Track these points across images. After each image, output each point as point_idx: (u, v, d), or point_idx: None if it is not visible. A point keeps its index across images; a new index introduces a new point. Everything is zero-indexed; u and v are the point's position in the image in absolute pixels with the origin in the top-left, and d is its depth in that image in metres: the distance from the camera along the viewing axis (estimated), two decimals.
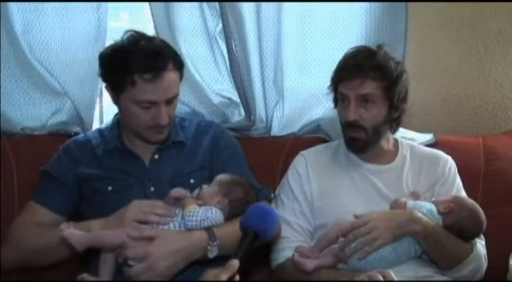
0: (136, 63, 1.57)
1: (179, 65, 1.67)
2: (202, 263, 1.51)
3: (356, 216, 1.57)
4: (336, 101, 1.76)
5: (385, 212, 1.59)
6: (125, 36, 1.65)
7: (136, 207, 1.55)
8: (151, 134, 1.68)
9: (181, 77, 1.69)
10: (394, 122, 1.74)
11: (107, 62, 1.65)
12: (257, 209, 1.32)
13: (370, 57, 1.67)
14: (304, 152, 1.85)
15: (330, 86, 1.75)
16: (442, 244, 1.55)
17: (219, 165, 1.75)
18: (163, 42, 1.70)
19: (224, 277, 1.18)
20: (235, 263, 1.19)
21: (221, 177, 1.63)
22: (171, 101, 1.65)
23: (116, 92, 1.64)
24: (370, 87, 1.64)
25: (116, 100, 1.67)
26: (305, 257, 1.58)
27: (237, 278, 1.20)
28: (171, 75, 1.62)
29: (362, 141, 1.69)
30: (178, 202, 1.56)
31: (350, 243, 1.52)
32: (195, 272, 1.47)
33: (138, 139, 1.72)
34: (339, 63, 1.72)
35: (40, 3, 1.98)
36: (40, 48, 2.00)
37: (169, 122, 1.67)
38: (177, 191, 1.57)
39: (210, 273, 1.20)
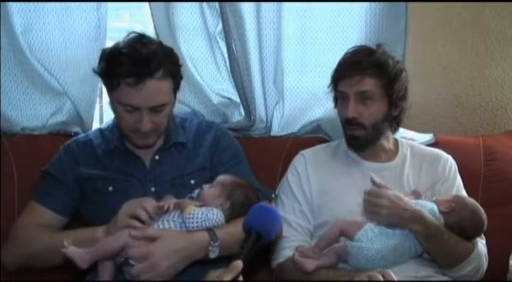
0: (121, 66, 1.56)
1: (174, 74, 1.64)
2: (204, 263, 1.51)
3: (373, 180, 1.61)
4: (336, 100, 1.77)
5: (400, 198, 1.58)
6: (127, 38, 1.64)
7: (130, 204, 1.55)
8: (135, 137, 1.68)
9: (176, 87, 1.67)
10: (394, 120, 1.74)
11: (101, 60, 1.65)
12: (260, 210, 1.32)
13: (369, 55, 1.68)
14: (304, 152, 1.85)
15: (330, 85, 1.75)
16: (444, 244, 1.56)
17: (219, 166, 1.75)
18: (163, 48, 1.65)
19: (227, 278, 1.17)
20: (238, 264, 1.19)
21: (222, 178, 1.63)
22: (157, 110, 1.62)
23: (107, 90, 1.66)
24: (369, 84, 1.65)
25: (109, 97, 1.68)
26: (305, 256, 1.58)
27: (241, 278, 1.19)
28: (157, 83, 1.59)
29: (362, 139, 1.70)
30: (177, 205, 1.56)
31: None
32: (197, 272, 1.47)
33: (128, 142, 1.72)
34: (339, 62, 1.74)
35: (40, 3, 1.98)
36: (40, 48, 2.00)
37: (155, 129, 1.65)
38: (164, 204, 1.54)
39: (213, 274, 1.20)
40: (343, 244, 1.57)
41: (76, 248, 1.46)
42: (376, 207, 1.55)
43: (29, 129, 2.06)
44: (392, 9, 1.99)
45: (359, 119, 1.67)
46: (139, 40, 1.63)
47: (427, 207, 1.58)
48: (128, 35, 1.65)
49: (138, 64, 1.56)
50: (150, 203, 1.54)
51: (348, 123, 1.69)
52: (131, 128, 1.65)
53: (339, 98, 1.74)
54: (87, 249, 1.47)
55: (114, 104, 1.64)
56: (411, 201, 1.60)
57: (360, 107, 1.67)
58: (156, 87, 1.59)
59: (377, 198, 1.55)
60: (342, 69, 1.71)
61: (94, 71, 1.68)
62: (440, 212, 1.58)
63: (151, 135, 1.68)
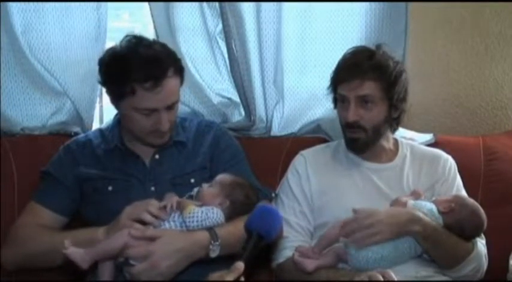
0: (136, 72, 1.56)
1: (180, 70, 1.65)
2: (205, 262, 1.51)
3: (354, 211, 1.56)
4: (335, 101, 1.76)
5: (388, 209, 1.59)
6: (124, 42, 1.63)
7: (133, 207, 1.55)
8: (153, 138, 1.68)
9: (182, 81, 1.68)
10: (394, 121, 1.74)
11: (106, 69, 1.64)
12: (261, 211, 1.32)
13: (368, 57, 1.67)
14: (304, 152, 1.85)
15: (329, 87, 1.75)
16: (443, 244, 1.55)
17: (220, 166, 1.75)
18: (163, 47, 1.67)
19: (229, 279, 1.17)
20: (240, 266, 1.19)
21: (222, 178, 1.63)
22: (171, 107, 1.64)
23: (116, 98, 1.64)
24: (369, 87, 1.64)
25: (116, 105, 1.67)
26: (305, 256, 1.58)
27: (242, 279, 1.19)
28: (171, 82, 1.61)
29: (362, 142, 1.69)
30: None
31: (352, 234, 1.52)
32: (197, 272, 1.48)
33: (140, 143, 1.72)
34: (338, 64, 1.72)
35: (40, 3, 1.98)
36: (40, 48, 2.00)
37: (171, 126, 1.67)
38: (167, 203, 1.54)
39: (215, 275, 1.20)
40: (343, 244, 1.57)
41: (76, 249, 1.46)
42: (372, 227, 1.51)
43: (29, 129, 2.06)
44: (393, 9, 1.99)
45: (360, 122, 1.66)
46: (139, 43, 1.63)
47: (427, 207, 1.58)
48: (124, 38, 1.64)
49: (152, 67, 1.57)
50: (154, 206, 1.54)
51: (349, 126, 1.69)
52: (149, 131, 1.65)
53: (339, 101, 1.73)
54: (88, 249, 1.47)
55: (128, 110, 1.62)
56: (410, 202, 1.60)
57: (361, 111, 1.66)
58: (170, 86, 1.61)
59: (368, 219, 1.51)
60: (342, 72, 1.69)
61: (99, 82, 1.67)
62: (440, 212, 1.58)
63: (168, 132, 1.68)
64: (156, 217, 1.52)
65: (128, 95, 1.58)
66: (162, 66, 1.58)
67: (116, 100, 1.65)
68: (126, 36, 1.65)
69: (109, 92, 1.67)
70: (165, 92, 1.59)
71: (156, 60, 1.58)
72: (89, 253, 1.46)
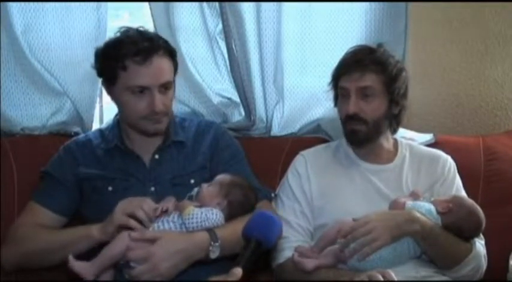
0: (127, 47, 1.60)
1: (171, 54, 1.69)
2: (205, 263, 1.51)
3: (355, 220, 1.56)
4: (336, 98, 1.77)
5: (383, 213, 1.59)
6: (119, 31, 1.68)
7: (127, 202, 1.56)
8: (148, 123, 1.68)
9: (175, 68, 1.71)
10: (394, 119, 1.74)
11: (100, 54, 1.68)
12: (260, 218, 1.31)
13: (370, 53, 1.69)
14: (304, 152, 1.85)
15: (331, 82, 1.75)
16: (441, 244, 1.55)
17: (219, 165, 1.75)
18: (155, 33, 1.73)
19: None
20: (238, 271, 1.18)
21: (221, 177, 1.63)
22: (164, 89, 1.65)
23: (110, 83, 1.66)
24: (370, 79, 1.65)
25: (112, 93, 1.69)
26: (305, 256, 1.58)
27: None
28: (162, 60, 1.63)
29: (362, 134, 1.69)
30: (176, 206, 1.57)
31: (349, 244, 1.52)
32: (197, 273, 1.48)
33: (138, 133, 1.72)
34: (340, 61, 1.74)
35: (40, 3, 1.98)
36: (40, 48, 2.00)
37: (166, 112, 1.67)
38: (159, 206, 1.55)
39: (214, 280, 1.20)
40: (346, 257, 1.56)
41: (81, 262, 1.47)
42: (369, 234, 1.49)
43: (29, 129, 2.06)
44: (392, 9, 1.99)
45: (360, 114, 1.67)
46: (132, 29, 1.67)
47: (425, 207, 1.58)
48: (119, 29, 1.68)
49: (143, 43, 1.61)
50: (148, 204, 1.54)
51: (349, 119, 1.69)
52: (142, 114, 1.65)
53: (340, 95, 1.73)
54: (92, 261, 1.47)
55: (121, 93, 1.64)
56: (408, 203, 1.59)
57: (361, 103, 1.67)
58: (161, 64, 1.64)
59: (364, 227, 1.50)
60: (343, 67, 1.71)
61: (93, 67, 1.69)
62: (438, 212, 1.57)
63: (162, 118, 1.68)
64: (148, 216, 1.52)
65: (120, 73, 1.61)
66: (152, 43, 1.62)
67: (110, 86, 1.67)
68: (122, 27, 1.69)
69: (104, 80, 1.69)
70: (156, 68, 1.61)
71: (146, 38, 1.63)
72: (93, 265, 1.47)
